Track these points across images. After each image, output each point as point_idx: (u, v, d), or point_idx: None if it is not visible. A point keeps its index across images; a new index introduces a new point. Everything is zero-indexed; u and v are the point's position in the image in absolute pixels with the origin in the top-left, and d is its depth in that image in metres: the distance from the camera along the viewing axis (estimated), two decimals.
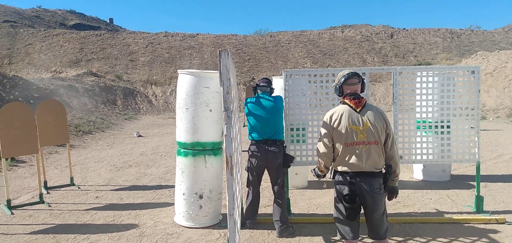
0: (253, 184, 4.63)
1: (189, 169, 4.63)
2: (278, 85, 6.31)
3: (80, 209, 5.49)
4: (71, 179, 6.75)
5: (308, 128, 5.21)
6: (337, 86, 3.18)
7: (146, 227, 4.77)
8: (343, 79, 3.15)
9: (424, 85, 5.18)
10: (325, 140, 3.14)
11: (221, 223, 4.82)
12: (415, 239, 4.32)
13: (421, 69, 5.37)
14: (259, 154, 4.48)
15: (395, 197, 3.16)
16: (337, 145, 3.08)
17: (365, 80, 3.27)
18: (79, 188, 6.62)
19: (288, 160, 4.56)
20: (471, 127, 5.12)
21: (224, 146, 2.16)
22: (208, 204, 4.68)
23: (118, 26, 54.40)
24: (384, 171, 3.07)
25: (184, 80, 4.57)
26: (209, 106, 4.54)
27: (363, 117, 3.03)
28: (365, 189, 3.00)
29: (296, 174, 6.33)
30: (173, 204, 5.48)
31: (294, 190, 6.27)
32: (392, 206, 5.19)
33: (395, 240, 4.35)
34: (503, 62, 21.52)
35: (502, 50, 26.28)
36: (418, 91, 5.22)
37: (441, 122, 5.17)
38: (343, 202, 3.03)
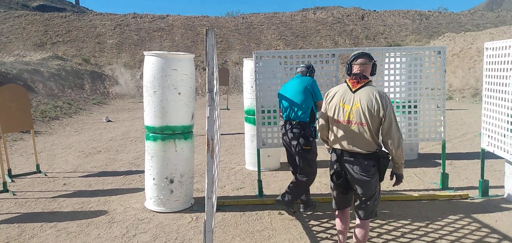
0: (290, 164, 4.56)
1: (158, 154, 4.54)
2: (249, 67, 6.26)
3: (47, 197, 5.31)
4: (37, 166, 6.50)
5: (279, 110, 5.20)
6: (348, 64, 3.19)
7: (116, 213, 4.67)
8: (352, 58, 3.15)
9: (392, 66, 5.25)
10: (321, 113, 3.26)
11: (193, 207, 4.78)
12: (383, 216, 4.42)
13: (389, 50, 5.45)
14: (284, 134, 4.41)
15: (398, 184, 3.14)
16: (330, 120, 3.16)
17: (375, 62, 3.20)
18: (45, 175, 6.39)
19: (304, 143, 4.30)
20: (437, 107, 5.26)
21: (206, 128, 2.09)
22: (179, 188, 4.62)
23: (85, 7, 52.46)
24: (378, 154, 3.02)
25: (151, 62, 4.45)
26: (178, 89, 4.44)
27: (355, 97, 3.01)
28: (349, 168, 3.04)
29: (268, 156, 6.34)
30: (143, 189, 5.37)
31: (266, 172, 6.29)
32: None
33: None
34: (468, 43, 22.21)
35: (468, 31, 27.10)
36: (386, 72, 5.30)
37: (409, 102, 5.28)
38: (331, 174, 3.18)
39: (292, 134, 4.26)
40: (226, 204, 4.85)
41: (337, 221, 3.36)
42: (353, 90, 3.03)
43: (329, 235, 3.97)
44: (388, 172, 3.11)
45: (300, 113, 4.23)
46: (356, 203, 3.15)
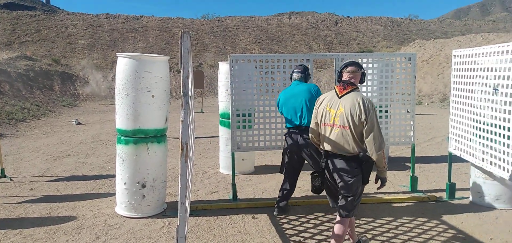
0: (287, 173, 4.55)
1: (130, 158, 4.45)
2: (224, 70, 6.25)
3: (12, 203, 5.10)
4: (2, 170, 6.25)
5: (254, 114, 5.21)
6: (338, 71, 3.41)
7: (85, 219, 4.54)
8: (343, 66, 3.36)
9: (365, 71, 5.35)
10: (313, 117, 3.45)
11: (165, 212, 4.71)
12: (354, 218, 4.50)
13: (362, 56, 5.55)
14: (291, 141, 4.38)
15: (382, 187, 3.28)
16: (318, 124, 3.36)
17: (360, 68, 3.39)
18: (11, 180, 6.14)
19: None
20: (407, 112, 5.40)
21: (180, 132, 2.07)
22: (151, 193, 4.54)
23: (55, 6, 50.94)
24: (361, 157, 3.15)
25: (124, 64, 4.36)
26: (152, 92, 4.37)
27: (341, 103, 3.18)
28: (333, 168, 3.25)
29: (243, 159, 6.33)
30: (114, 194, 5.25)
31: (240, 175, 6.27)
32: None
33: (336, 215, 4.51)
34: (437, 50, 22.97)
35: (437, 39, 28.03)
36: None
37: (380, 107, 5.39)
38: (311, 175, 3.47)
39: (303, 140, 4.27)
40: (199, 209, 4.80)
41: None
42: (340, 95, 3.21)
43: (302, 238, 3.99)
44: (373, 175, 3.24)
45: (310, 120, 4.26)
46: (338, 202, 3.33)
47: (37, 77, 18.47)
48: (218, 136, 6.88)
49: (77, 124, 12.39)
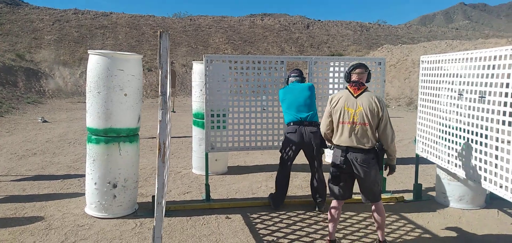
0: (286, 165, 4.79)
1: (101, 157, 4.35)
2: (198, 70, 6.22)
3: None
4: None
5: (228, 114, 5.21)
6: (347, 72, 3.73)
7: (53, 219, 4.40)
8: (352, 68, 3.70)
9: (336, 74, 5.47)
10: (326, 115, 3.73)
11: (136, 213, 4.64)
12: (326, 214, 4.59)
13: (334, 60, 5.66)
14: (296, 135, 4.63)
15: (391, 173, 3.75)
16: (334, 121, 3.62)
17: (370, 71, 3.81)
18: None
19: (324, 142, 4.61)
20: None
21: (157, 131, 2.06)
22: (122, 193, 4.46)
23: (20, 0, 48.88)
24: (377, 149, 3.55)
25: (95, 61, 4.26)
26: (124, 90, 4.29)
27: (357, 101, 3.52)
28: (354, 161, 3.53)
29: (216, 160, 6.32)
30: (83, 194, 5.11)
31: (214, 176, 6.26)
32: (307, 189, 5.44)
33: (308, 215, 4.68)
34: (404, 55, 23.72)
35: (404, 44, 28.94)
36: (331, 80, 5.51)
37: None
38: (331, 167, 3.65)
39: (312, 133, 4.61)
40: (172, 209, 4.76)
41: (332, 211, 3.72)
42: (355, 95, 3.56)
43: (275, 238, 4.03)
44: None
45: (313, 113, 4.69)
46: (365, 194, 3.67)
47: (0, 73, 17.69)
48: (191, 136, 6.84)
49: (43, 122, 11.96)
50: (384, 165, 3.74)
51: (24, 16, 27.37)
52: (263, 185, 5.92)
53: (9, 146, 8.33)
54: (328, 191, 4.12)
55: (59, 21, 27.40)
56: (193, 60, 6.76)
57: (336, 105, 3.62)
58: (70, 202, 4.99)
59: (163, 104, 2.00)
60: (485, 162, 3.79)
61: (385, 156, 3.67)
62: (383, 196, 5.32)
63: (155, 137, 9.59)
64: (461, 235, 4.18)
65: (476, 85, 3.93)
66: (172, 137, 9.79)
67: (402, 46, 27.21)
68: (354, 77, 3.67)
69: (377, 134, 3.56)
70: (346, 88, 3.69)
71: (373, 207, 3.71)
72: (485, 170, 3.80)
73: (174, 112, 15.38)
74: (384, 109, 3.53)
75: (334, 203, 3.73)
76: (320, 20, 37.83)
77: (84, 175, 5.98)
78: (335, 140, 3.66)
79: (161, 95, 2.00)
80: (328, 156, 7.50)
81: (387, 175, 3.76)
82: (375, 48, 30.66)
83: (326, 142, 3.96)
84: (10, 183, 5.76)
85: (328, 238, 3.79)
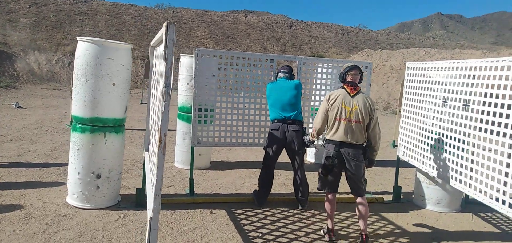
0: (270, 162, 4.83)
1: (86, 147, 4.27)
2: (185, 63, 6.18)
3: None
4: None
5: (216, 110, 5.21)
6: (342, 73, 4.02)
7: (33, 208, 4.29)
8: (347, 69, 3.99)
9: (324, 76, 5.56)
10: (322, 112, 3.96)
11: (119, 204, 4.58)
12: (310, 212, 4.76)
13: (322, 61, 5.74)
14: (279, 133, 4.68)
15: (370, 167, 4.09)
16: (330, 118, 3.90)
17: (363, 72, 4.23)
18: None
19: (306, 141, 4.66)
20: None
21: (159, 123, 2.06)
22: (106, 184, 4.40)
23: None
24: (365, 145, 3.91)
25: (84, 49, 4.17)
26: (113, 80, 4.23)
27: (353, 100, 3.84)
28: (346, 156, 3.84)
29: (200, 154, 6.29)
30: (64, 183, 5.03)
31: (197, 170, 6.23)
32: (289, 186, 5.51)
33: (292, 212, 4.74)
34: (384, 60, 24.20)
35: (384, 49, 29.53)
36: (319, 81, 5.58)
37: None
38: (324, 160, 3.90)
39: (294, 132, 4.68)
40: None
41: (328, 205, 4.03)
42: (352, 95, 3.88)
43: (260, 234, 4.07)
44: None
45: (297, 112, 4.72)
46: (352, 188, 3.98)
47: None
48: (173, 130, 6.79)
49: (17, 107, 11.59)
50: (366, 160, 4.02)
51: None
52: (246, 182, 5.95)
53: None
54: (318, 186, 4.16)
55: (37, 4, 26.51)
56: (181, 53, 6.70)
57: (334, 102, 3.88)
58: (50, 191, 4.88)
59: (166, 96, 2.00)
60: (466, 168, 3.95)
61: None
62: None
63: (134, 129, 9.46)
64: (438, 237, 4.33)
65: (460, 93, 4.08)
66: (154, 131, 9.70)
67: (382, 51, 27.76)
68: (349, 78, 3.97)
69: (367, 132, 3.90)
70: (342, 87, 3.97)
71: (358, 200, 3.96)
72: (466, 175, 3.95)
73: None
74: (375, 110, 3.93)
75: (329, 196, 4.03)
76: (303, 21, 38.11)
77: (63, 164, 5.89)
78: (329, 136, 3.93)
79: (165, 87, 2.00)
80: (309, 156, 7.61)
81: (367, 167, 4.05)
82: (355, 51, 31.15)
83: (313, 138, 4.17)
84: None
85: (328, 227, 4.05)
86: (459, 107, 4.07)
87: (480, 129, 3.71)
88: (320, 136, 4.12)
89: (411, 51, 25.55)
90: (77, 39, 4.31)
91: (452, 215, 5.02)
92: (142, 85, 18.88)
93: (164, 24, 2.03)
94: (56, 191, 4.87)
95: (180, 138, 6.41)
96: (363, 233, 3.91)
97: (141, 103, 15.43)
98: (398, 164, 5.52)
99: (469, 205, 5.32)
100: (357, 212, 4.00)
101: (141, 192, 4.56)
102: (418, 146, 4.91)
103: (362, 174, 3.95)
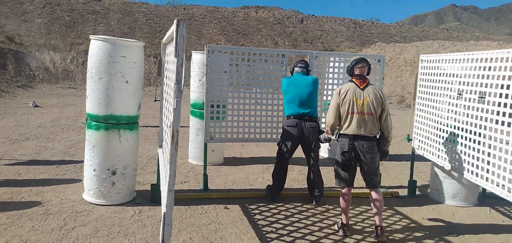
0: (285, 158, 4.79)
1: (101, 144, 4.34)
2: (197, 60, 6.20)
3: None
4: None
5: (228, 106, 5.23)
6: (349, 67, 4.01)
7: (51, 205, 4.38)
8: (354, 62, 3.98)
9: (336, 70, 5.52)
10: (334, 107, 3.94)
11: (135, 200, 4.64)
12: (324, 207, 4.75)
13: (334, 55, 5.70)
14: (296, 129, 4.63)
15: (386, 159, 4.08)
16: (342, 112, 3.89)
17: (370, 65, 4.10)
18: None
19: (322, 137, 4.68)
20: None
21: (171, 119, 2.09)
22: (121, 180, 4.45)
23: None
24: (378, 137, 3.92)
25: (97, 47, 4.23)
26: (125, 77, 4.27)
27: (364, 93, 3.85)
28: (361, 149, 3.85)
29: (212, 150, 6.33)
30: (80, 180, 5.12)
31: (210, 166, 6.27)
32: (303, 182, 5.50)
33: (305, 207, 4.73)
34: (397, 53, 23.92)
35: (397, 42, 29.17)
36: (331, 76, 5.55)
37: None
38: (341, 156, 3.89)
39: (311, 129, 4.64)
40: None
41: (343, 200, 3.99)
42: (361, 88, 3.88)
43: (274, 229, 4.08)
44: None
45: (314, 109, 4.71)
46: (367, 181, 3.98)
47: None
48: (187, 126, 6.83)
49: (34, 106, 11.81)
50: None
51: None
52: (259, 177, 5.96)
53: (1, 130, 8.21)
54: (336, 182, 4.17)
55: (50, 4, 26.91)
56: (192, 50, 6.72)
57: (344, 97, 3.87)
58: (67, 188, 4.97)
59: (178, 92, 2.01)
60: (482, 161, 3.88)
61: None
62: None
63: (148, 126, 9.55)
64: (454, 232, 4.28)
65: (476, 86, 4.01)
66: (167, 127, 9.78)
67: (395, 44, 27.44)
68: (357, 71, 3.96)
69: (379, 124, 3.91)
70: (351, 81, 3.97)
71: (373, 193, 3.97)
72: (482, 168, 3.89)
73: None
74: (386, 101, 3.94)
75: (344, 191, 4.00)
76: (314, 15, 37.87)
77: (79, 161, 5.99)
78: (342, 130, 3.93)
79: (177, 83, 2.01)
80: (323, 151, 7.58)
81: (381, 160, 4.03)
82: (368, 45, 30.85)
83: (328, 135, 4.13)
84: (5, 167, 5.70)
85: (343, 222, 4.04)
86: (474, 99, 4.00)
87: (496, 122, 3.64)
88: (335, 132, 4.09)
89: (425, 44, 25.18)
90: (90, 37, 4.36)
91: (469, 209, 4.95)
92: (155, 83, 19.05)
93: (175, 21, 2.04)
94: (73, 188, 4.96)
95: (193, 135, 6.45)
96: (378, 227, 3.90)
97: (155, 101, 15.58)
98: (413, 158, 5.46)
99: (486, 198, 5.24)
100: (371, 205, 4.00)
101: (156, 188, 4.61)
102: (433, 139, 4.84)
103: (377, 167, 3.96)
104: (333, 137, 4.09)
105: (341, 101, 3.89)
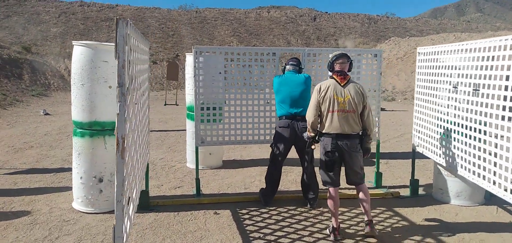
0: (278, 160, 4.65)
1: (86, 151, 4.28)
2: (190, 62, 6.10)
3: None
4: None
5: (224, 107, 5.11)
6: (330, 63, 3.85)
7: (39, 214, 4.34)
8: (334, 58, 3.82)
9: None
10: (314, 104, 3.81)
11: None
12: (318, 210, 4.56)
13: (328, 51, 5.49)
14: (288, 130, 4.50)
15: (368, 156, 3.92)
16: (322, 110, 3.76)
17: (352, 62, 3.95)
18: None
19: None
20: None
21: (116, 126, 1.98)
22: (108, 188, 4.38)
23: None
24: (360, 134, 3.80)
25: (79, 53, 4.17)
26: (109, 82, 4.19)
27: (345, 90, 3.71)
28: (344, 147, 3.74)
29: (210, 154, 6.23)
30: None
31: (207, 170, 6.16)
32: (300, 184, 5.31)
33: (299, 211, 4.56)
34: (412, 48, 23.33)
35: (412, 37, 28.50)
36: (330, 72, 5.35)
37: None
38: (324, 156, 3.77)
39: (304, 129, 4.35)
40: (160, 204, 4.67)
41: (331, 202, 3.83)
42: (342, 84, 3.73)
43: (262, 235, 3.92)
44: None
45: (305, 108, 4.43)
46: (351, 178, 3.86)
47: (5, 65, 17.79)
48: (184, 130, 6.74)
49: (45, 114, 11.99)
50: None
51: (31, 9, 27.50)
52: (256, 180, 5.81)
53: (7, 139, 8.33)
54: (320, 186, 4.02)
55: (65, 13, 27.49)
56: (188, 53, 6.63)
57: (325, 94, 3.74)
58: (59, 196, 4.94)
59: (120, 96, 1.89)
60: (479, 158, 3.64)
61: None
62: (379, 191, 5.20)
63: (153, 130, 9.53)
64: (457, 233, 4.01)
65: (472, 78, 3.76)
66: (170, 131, 9.74)
67: (410, 38, 26.80)
68: (337, 67, 3.80)
69: (361, 121, 3.79)
70: (332, 77, 3.81)
71: (358, 188, 3.87)
72: (479, 166, 3.64)
73: (177, 105, 15.33)
74: (367, 97, 3.81)
75: (331, 191, 3.83)
76: (327, 12, 37.43)
77: None
78: (324, 129, 3.79)
79: (119, 87, 1.89)
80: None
81: (364, 157, 3.89)
82: (383, 40, 30.24)
83: (309, 133, 3.95)
84: (3, 176, 5.73)
85: (333, 225, 3.82)
86: (470, 92, 3.75)
87: (490, 116, 3.38)
88: (317, 130, 3.93)
89: (440, 37, 24.49)
90: (73, 43, 4.31)
91: (474, 209, 4.67)
92: (167, 87, 19.13)
93: (114, 20, 1.92)
94: (65, 196, 4.93)
95: (190, 138, 6.35)
96: (368, 222, 3.78)
97: (165, 105, 15.64)
98: (414, 156, 5.21)
99: (494, 197, 4.91)
100: (360, 205, 3.87)
101: (144, 194, 4.52)
102: (431, 136, 4.59)
103: (360, 162, 3.85)
104: (313, 135, 3.92)
105: (322, 99, 3.76)
